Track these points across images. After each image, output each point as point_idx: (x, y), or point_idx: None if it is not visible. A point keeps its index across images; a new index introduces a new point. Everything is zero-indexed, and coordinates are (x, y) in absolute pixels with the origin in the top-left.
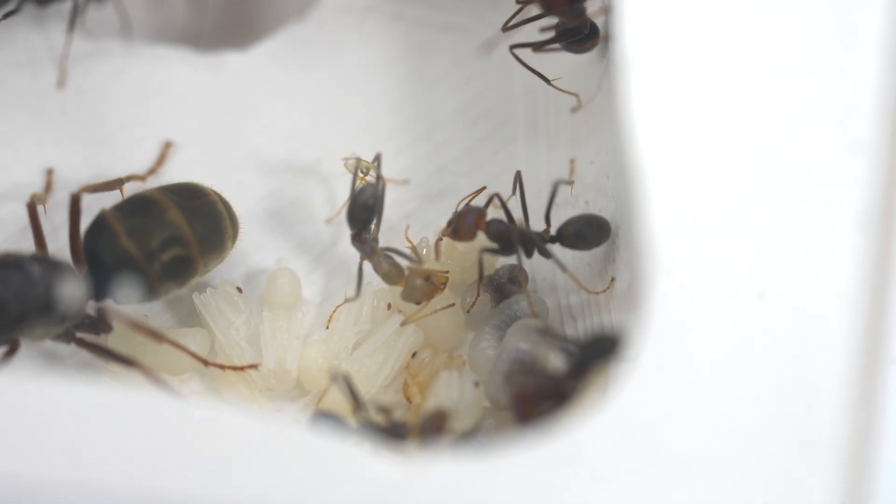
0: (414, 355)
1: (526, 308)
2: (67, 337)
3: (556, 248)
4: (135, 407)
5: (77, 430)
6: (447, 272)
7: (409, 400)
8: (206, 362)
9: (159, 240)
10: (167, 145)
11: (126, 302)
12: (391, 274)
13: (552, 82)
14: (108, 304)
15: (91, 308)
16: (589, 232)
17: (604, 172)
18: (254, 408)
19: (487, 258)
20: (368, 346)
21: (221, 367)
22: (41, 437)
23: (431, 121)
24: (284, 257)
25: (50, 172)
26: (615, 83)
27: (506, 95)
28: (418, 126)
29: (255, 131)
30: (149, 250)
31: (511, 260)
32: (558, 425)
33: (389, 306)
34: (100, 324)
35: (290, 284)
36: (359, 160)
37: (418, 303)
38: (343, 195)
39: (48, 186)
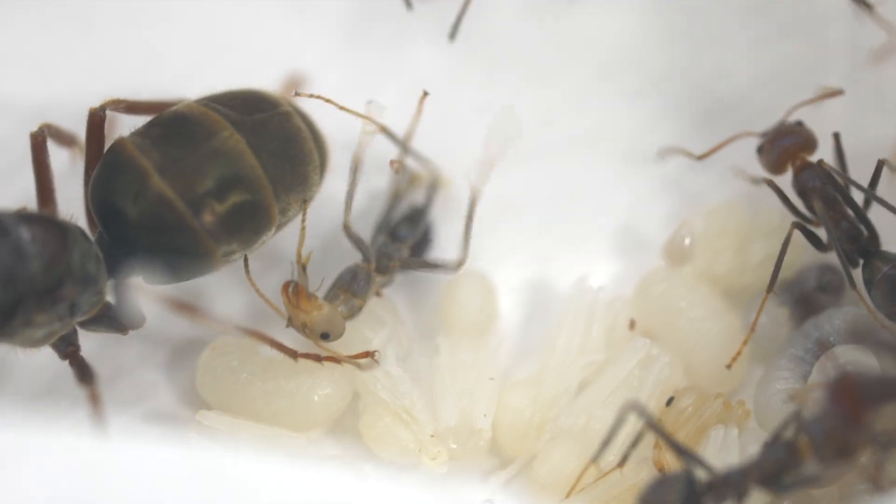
0: (670, 402)
1: (843, 329)
2: (67, 343)
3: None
4: (241, 478)
5: None
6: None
7: (660, 470)
8: (294, 353)
9: (211, 179)
10: (292, 84)
11: (163, 280)
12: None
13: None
14: (164, 289)
15: (113, 289)
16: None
17: None
18: (424, 479)
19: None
20: (601, 388)
21: (317, 357)
22: None
23: (700, 35)
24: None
25: (96, 116)
26: None
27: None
28: (679, 44)
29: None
30: (195, 196)
31: (822, 258)
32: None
33: (633, 324)
34: (134, 316)
35: (480, 297)
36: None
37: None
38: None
39: (94, 125)
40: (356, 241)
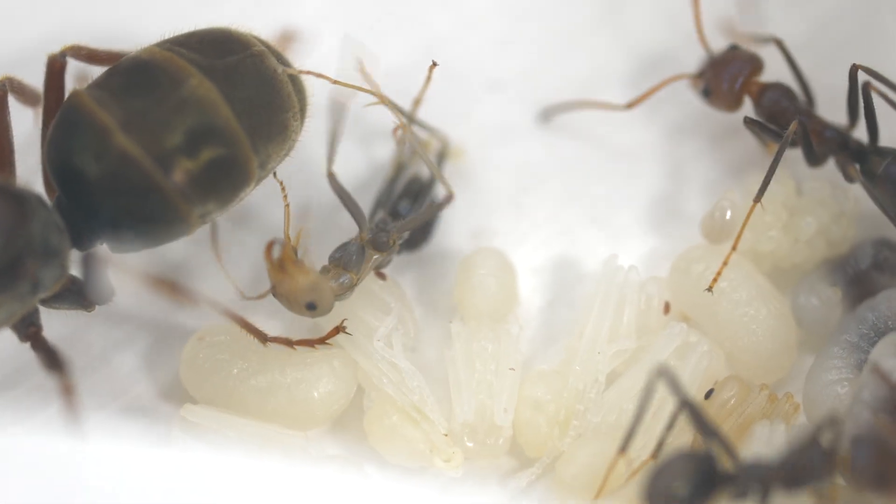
0: (709, 394)
1: None
2: (27, 324)
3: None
4: (231, 482)
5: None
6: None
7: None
8: (263, 337)
9: (181, 133)
10: (284, 40)
11: (133, 247)
12: None
13: None
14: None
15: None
16: None
17: None
18: (436, 482)
19: (837, 224)
20: (633, 380)
21: (288, 342)
22: None
23: None
24: (484, 228)
25: (56, 63)
26: None
27: None
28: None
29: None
30: (164, 153)
31: (878, 233)
32: None
33: (667, 307)
34: (101, 289)
35: (498, 278)
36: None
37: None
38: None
39: (53, 73)
40: (339, 194)
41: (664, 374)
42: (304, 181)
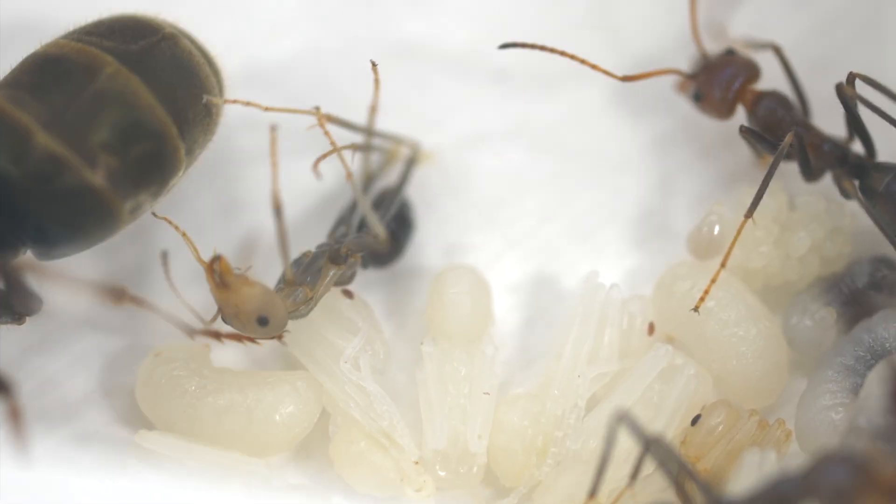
0: (696, 420)
1: None
2: None
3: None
4: None
5: None
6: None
7: (683, 500)
8: (190, 330)
9: (105, 126)
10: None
11: (62, 252)
12: None
13: None
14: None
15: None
16: None
17: None
18: None
19: (832, 240)
20: (615, 406)
21: (217, 335)
22: None
23: None
24: (457, 243)
25: None
26: None
27: None
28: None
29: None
30: (90, 148)
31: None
32: None
33: (651, 328)
34: (26, 299)
35: (472, 297)
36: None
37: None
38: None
39: None
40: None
41: (624, 420)
42: (253, 203)
